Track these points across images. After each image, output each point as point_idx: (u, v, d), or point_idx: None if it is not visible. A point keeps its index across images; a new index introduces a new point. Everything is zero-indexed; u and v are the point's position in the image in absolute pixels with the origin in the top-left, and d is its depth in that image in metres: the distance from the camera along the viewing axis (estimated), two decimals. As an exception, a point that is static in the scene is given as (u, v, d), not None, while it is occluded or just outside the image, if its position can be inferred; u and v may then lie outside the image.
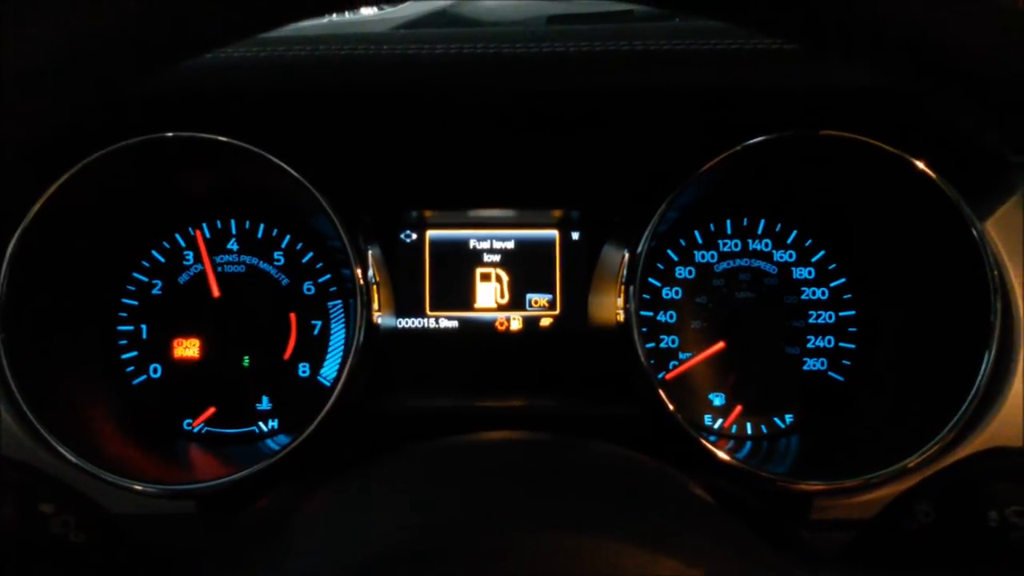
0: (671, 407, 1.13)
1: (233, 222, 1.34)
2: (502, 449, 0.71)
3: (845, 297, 1.35)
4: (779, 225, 1.36)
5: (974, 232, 1.08)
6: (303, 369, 1.34)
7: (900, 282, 1.26)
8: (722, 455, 1.10)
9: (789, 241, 1.35)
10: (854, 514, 1.08)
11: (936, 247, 1.17)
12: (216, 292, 1.32)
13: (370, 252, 1.21)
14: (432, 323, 1.38)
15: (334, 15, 1.78)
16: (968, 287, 1.10)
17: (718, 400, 1.35)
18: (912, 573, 0.80)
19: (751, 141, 1.12)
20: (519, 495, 0.59)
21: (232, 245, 1.34)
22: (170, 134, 1.11)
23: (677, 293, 1.35)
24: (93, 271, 1.25)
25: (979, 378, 1.07)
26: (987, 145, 1.07)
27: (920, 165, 1.09)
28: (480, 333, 1.38)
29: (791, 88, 1.10)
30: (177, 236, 1.34)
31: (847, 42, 0.46)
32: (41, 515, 0.84)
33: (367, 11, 1.83)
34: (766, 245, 1.35)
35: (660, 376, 1.33)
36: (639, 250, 1.17)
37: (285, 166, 1.13)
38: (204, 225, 1.34)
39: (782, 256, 1.35)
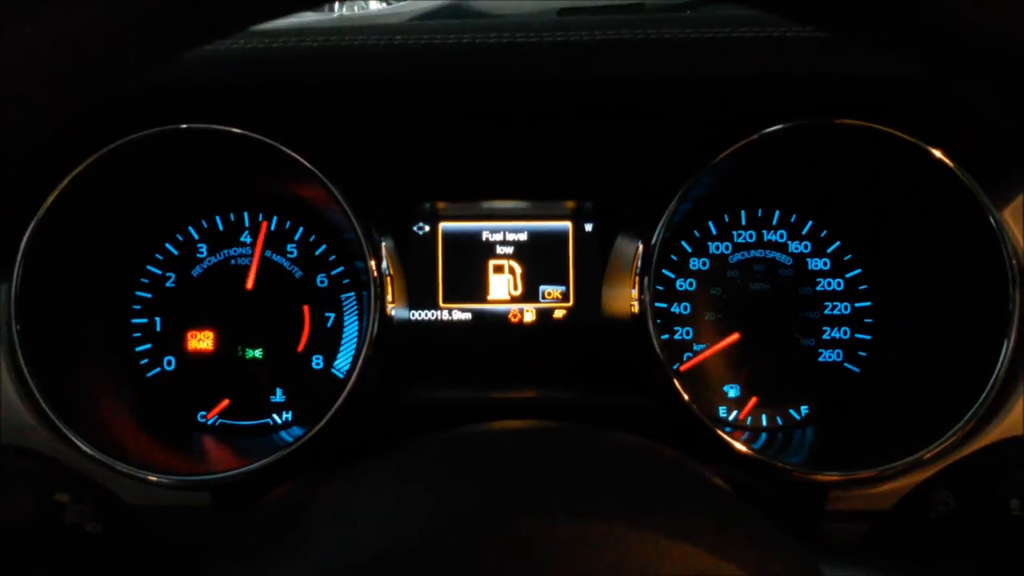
0: (687, 398, 1.12)
1: (246, 214, 1.34)
2: (518, 438, 0.71)
3: (861, 288, 1.34)
4: (794, 216, 1.35)
5: (992, 221, 1.07)
6: (317, 361, 1.34)
7: (917, 272, 1.25)
8: (739, 446, 1.09)
9: (804, 232, 1.35)
10: (870, 505, 1.07)
11: (953, 236, 1.16)
12: (250, 285, 1.33)
13: (383, 244, 1.21)
14: (445, 315, 1.38)
15: (343, 10, 1.78)
16: (986, 276, 1.09)
17: (733, 392, 1.34)
18: (933, 562, 0.80)
19: (767, 130, 1.11)
20: (540, 484, 0.58)
21: (245, 238, 1.34)
22: (184, 126, 1.11)
23: (691, 284, 1.35)
24: (107, 263, 1.26)
25: (997, 368, 1.06)
26: (1006, 132, 1.06)
27: (937, 153, 1.09)
28: (493, 325, 1.38)
29: (806, 76, 1.09)
30: (190, 229, 1.34)
31: (881, 26, 0.46)
32: (57, 504, 0.85)
33: (375, 6, 1.83)
34: (781, 236, 1.35)
35: (674, 368, 1.33)
36: (653, 241, 1.17)
37: (299, 158, 1.12)
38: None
39: (797, 247, 1.34)
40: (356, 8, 1.80)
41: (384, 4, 1.81)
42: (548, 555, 0.50)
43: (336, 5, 1.80)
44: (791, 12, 0.48)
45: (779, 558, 0.54)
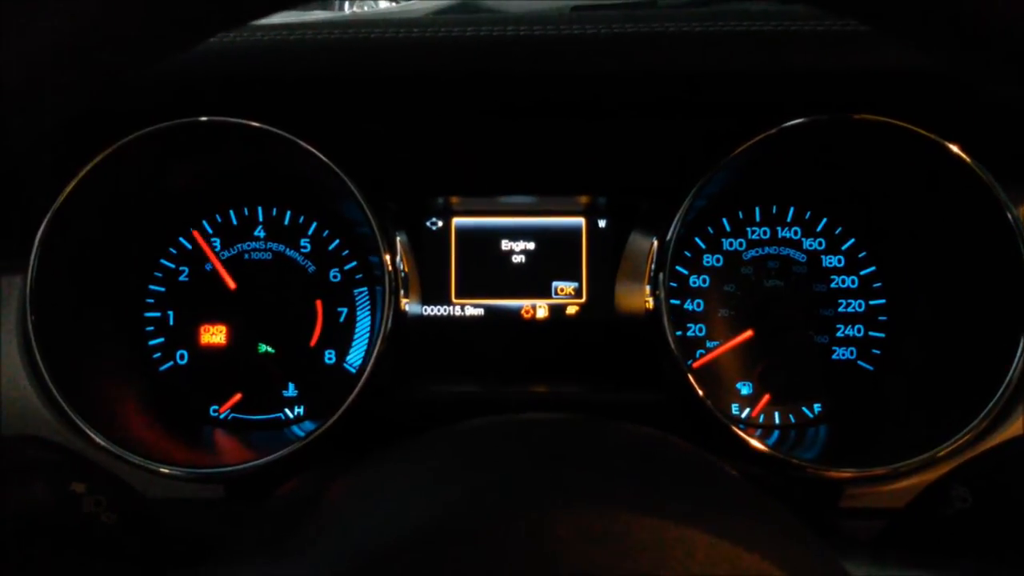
0: (701, 394, 1.12)
1: (260, 209, 1.35)
2: (535, 429, 0.71)
3: (875, 286, 1.33)
4: (808, 212, 1.34)
5: (1009, 217, 1.06)
6: (329, 356, 1.34)
7: (932, 269, 1.24)
8: (754, 442, 1.09)
9: (819, 229, 1.34)
10: (884, 503, 1.07)
11: (969, 233, 1.15)
12: (232, 284, 1.33)
13: (398, 239, 1.21)
14: (458, 311, 1.38)
15: (354, 8, 1.78)
16: (1002, 273, 1.08)
17: (746, 389, 1.34)
18: (950, 559, 0.79)
19: (785, 125, 1.11)
20: (560, 476, 0.58)
21: (259, 232, 1.34)
22: (203, 118, 1.11)
23: (705, 281, 1.34)
24: (121, 257, 1.26)
25: (1013, 366, 1.06)
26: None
27: (954, 149, 1.08)
28: (506, 321, 1.38)
29: (821, 71, 1.08)
30: (204, 223, 1.34)
31: (917, 20, 0.45)
32: (72, 494, 0.84)
33: (385, 5, 1.84)
34: (795, 233, 1.34)
35: (687, 364, 1.32)
36: (668, 238, 1.16)
37: (315, 151, 1.12)
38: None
39: (811, 244, 1.34)
40: (366, 7, 1.81)
41: (393, 3, 1.81)
42: (570, 549, 0.50)
43: (346, 4, 1.80)
44: (830, 4, 0.48)
45: (805, 553, 0.53)
